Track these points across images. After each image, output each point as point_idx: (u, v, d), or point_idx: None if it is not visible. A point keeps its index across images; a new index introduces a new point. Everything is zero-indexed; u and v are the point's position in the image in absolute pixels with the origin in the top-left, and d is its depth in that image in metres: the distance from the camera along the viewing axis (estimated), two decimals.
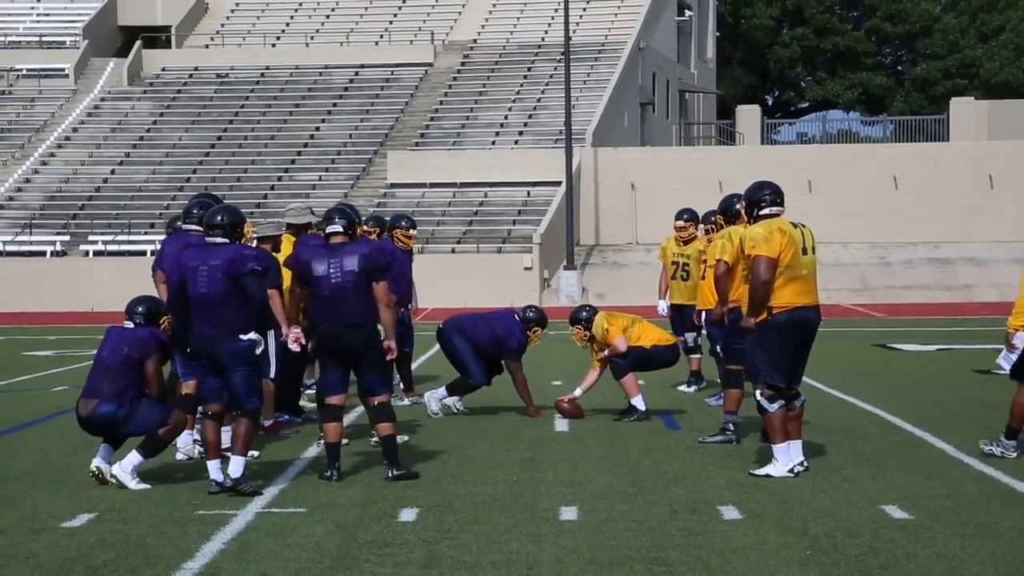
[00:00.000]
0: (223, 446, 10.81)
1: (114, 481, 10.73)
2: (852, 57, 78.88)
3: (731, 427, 12.90)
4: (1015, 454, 11.75)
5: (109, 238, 44.94)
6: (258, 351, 10.53)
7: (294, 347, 11.27)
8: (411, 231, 16.18)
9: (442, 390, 15.10)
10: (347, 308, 10.90)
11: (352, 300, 10.90)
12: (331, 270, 10.94)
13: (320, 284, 10.98)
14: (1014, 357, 11.99)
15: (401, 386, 16.06)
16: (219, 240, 10.67)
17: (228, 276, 10.48)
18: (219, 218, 10.73)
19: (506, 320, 15.04)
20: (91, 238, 45.18)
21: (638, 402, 14.46)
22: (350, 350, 10.97)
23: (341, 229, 11.11)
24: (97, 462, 10.90)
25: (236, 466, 10.42)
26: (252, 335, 10.48)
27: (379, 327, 11.06)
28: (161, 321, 11.15)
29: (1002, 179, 46.71)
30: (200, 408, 11.37)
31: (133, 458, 10.76)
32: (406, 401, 15.88)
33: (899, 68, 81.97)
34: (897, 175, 47.66)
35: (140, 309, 11.12)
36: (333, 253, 11.03)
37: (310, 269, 11.03)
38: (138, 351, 10.87)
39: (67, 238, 45.56)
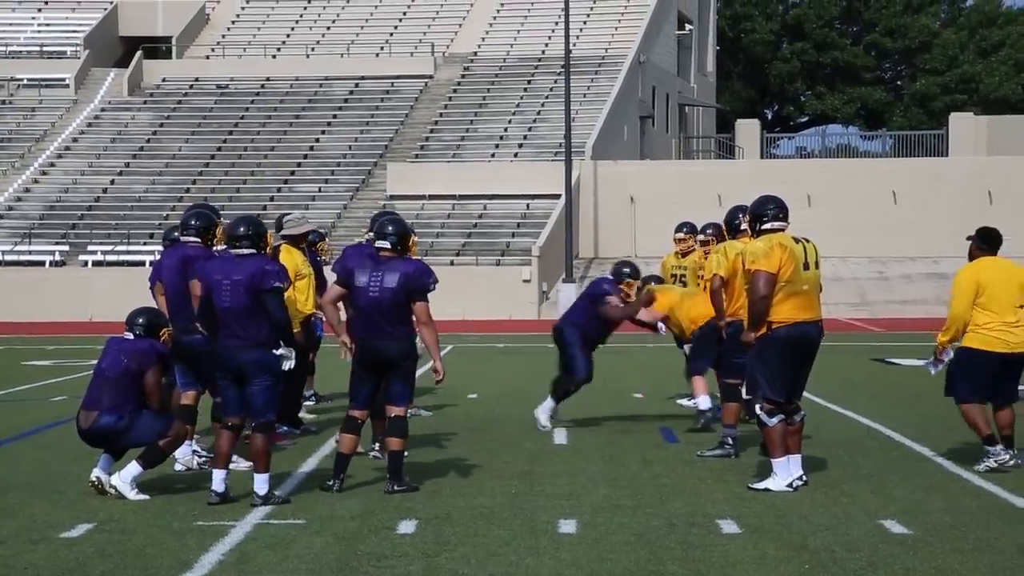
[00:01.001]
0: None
1: (113, 492, 10.73)
2: (851, 72, 79.00)
3: (730, 441, 12.91)
4: (1012, 462, 11.78)
5: (108, 248, 44.94)
6: (285, 366, 10.54)
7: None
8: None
9: (549, 402, 14.97)
10: (381, 322, 10.90)
11: (387, 315, 10.89)
12: (371, 283, 10.96)
13: (359, 295, 11.01)
14: (940, 367, 12.50)
15: None
16: (244, 251, 10.69)
17: (250, 291, 10.52)
18: (243, 229, 10.75)
19: (596, 285, 15.31)
20: (90, 248, 45.19)
21: (701, 402, 14.71)
22: (386, 361, 10.95)
23: (389, 246, 11.10)
24: (97, 472, 10.90)
25: (261, 484, 10.47)
26: (282, 350, 10.52)
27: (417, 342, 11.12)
28: (161, 333, 11.15)
29: (1001, 194, 46.74)
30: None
31: (133, 469, 10.76)
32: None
33: (898, 83, 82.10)
34: (896, 190, 47.71)
35: (140, 321, 11.12)
36: (377, 267, 11.02)
37: (352, 279, 11.05)
38: (138, 363, 10.87)
39: (66, 248, 45.55)
